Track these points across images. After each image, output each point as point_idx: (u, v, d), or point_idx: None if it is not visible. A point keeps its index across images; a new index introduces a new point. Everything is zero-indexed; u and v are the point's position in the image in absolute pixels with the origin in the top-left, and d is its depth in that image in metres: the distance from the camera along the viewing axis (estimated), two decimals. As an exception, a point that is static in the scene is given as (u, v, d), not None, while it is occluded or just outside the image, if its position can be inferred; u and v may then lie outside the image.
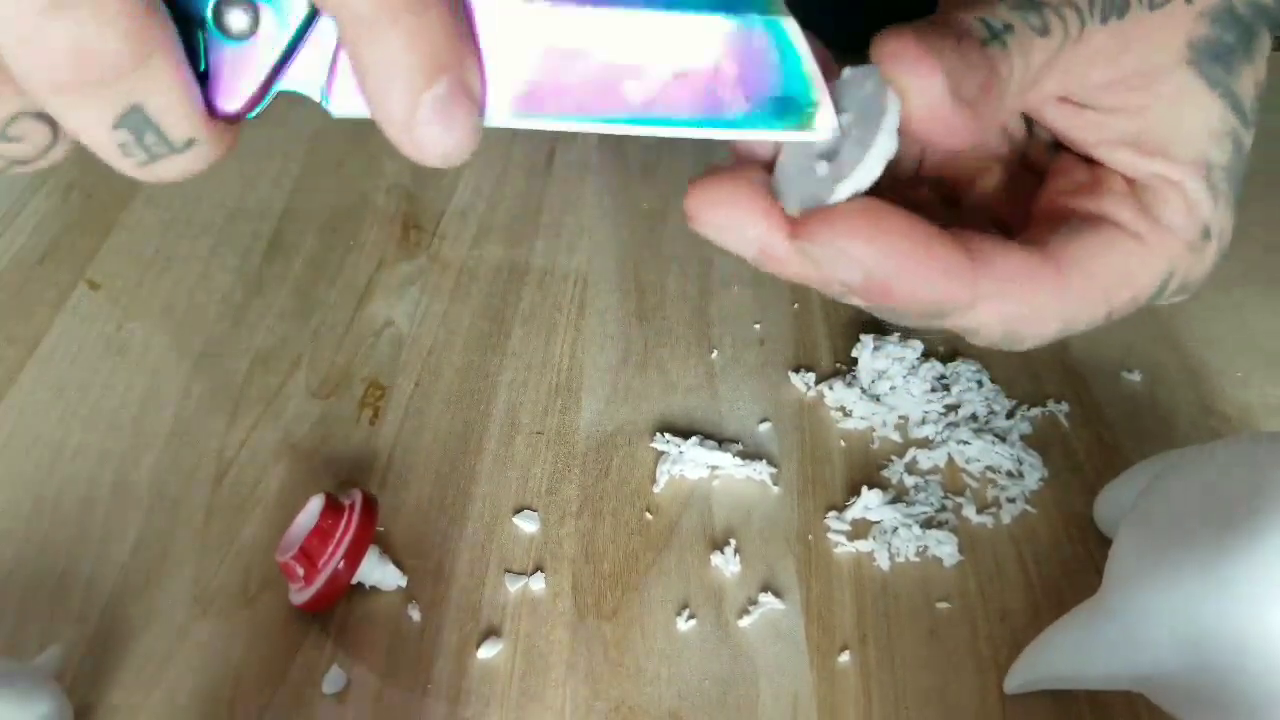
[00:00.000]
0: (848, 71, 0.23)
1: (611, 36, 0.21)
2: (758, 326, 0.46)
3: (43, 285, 0.47)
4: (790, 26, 0.21)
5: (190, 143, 0.20)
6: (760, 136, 0.22)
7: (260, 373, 0.43)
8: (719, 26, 0.21)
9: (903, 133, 0.22)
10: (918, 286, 0.22)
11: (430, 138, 0.19)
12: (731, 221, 0.23)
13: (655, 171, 0.55)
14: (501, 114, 0.21)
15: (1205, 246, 0.25)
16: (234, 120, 0.21)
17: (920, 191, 0.28)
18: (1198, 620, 0.27)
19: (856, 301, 0.23)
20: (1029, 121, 0.28)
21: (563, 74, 0.21)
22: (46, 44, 0.17)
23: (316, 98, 0.21)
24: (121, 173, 0.20)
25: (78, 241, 0.49)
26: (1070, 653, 0.31)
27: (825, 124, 0.22)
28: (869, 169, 0.22)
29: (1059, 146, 0.27)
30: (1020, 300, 0.23)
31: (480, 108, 0.20)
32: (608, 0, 0.21)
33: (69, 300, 0.46)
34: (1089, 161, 0.26)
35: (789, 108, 0.22)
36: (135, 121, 0.19)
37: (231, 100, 0.20)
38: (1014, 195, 0.28)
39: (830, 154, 0.23)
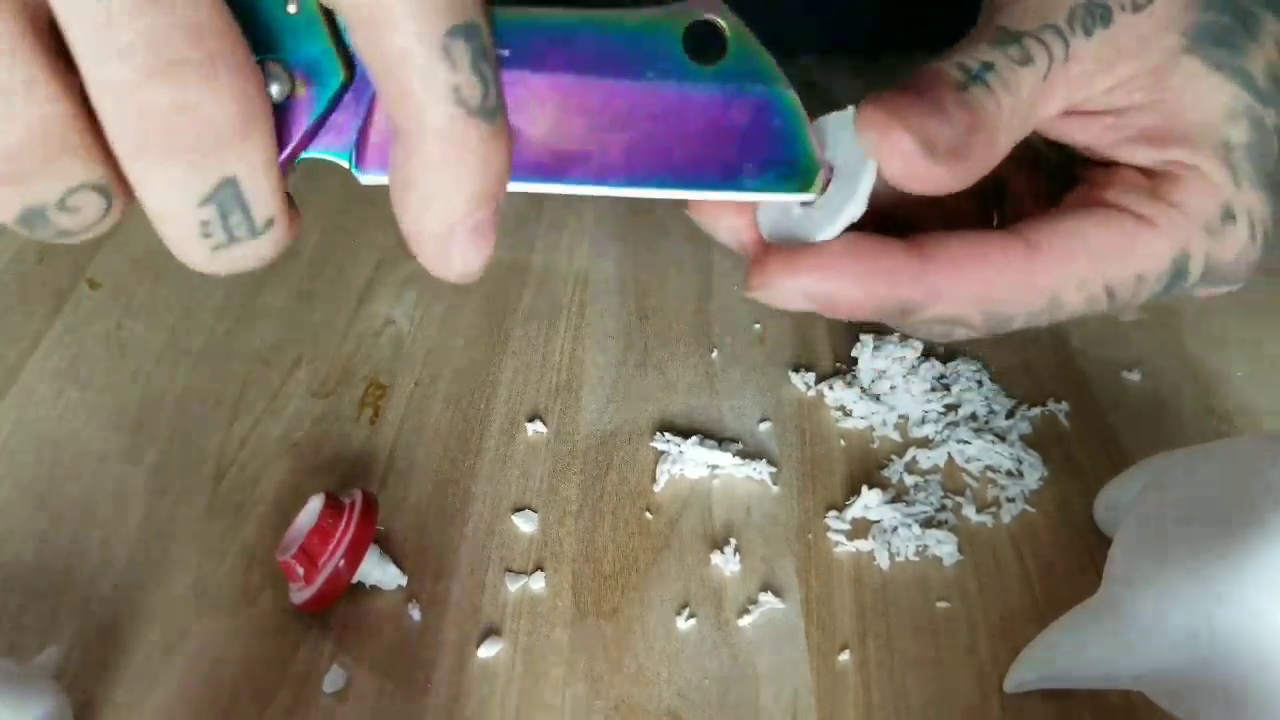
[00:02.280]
0: (832, 116, 0.24)
1: (620, 107, 0.22)
2: (758, 326, 0.46)
3: (43, 285, 0.47)
4: (793, 98, 0.23)
5: (269, 224, 0.19)
6: (763, 199, 0.24)
7: (260, 373, 0.43)
8: (727, 98, 0.22)
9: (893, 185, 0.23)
10: (863, 295, 0.24)
11: (460, 257, 0.20)
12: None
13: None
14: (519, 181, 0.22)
15: (1228, 229, 0.25)
16: None
17: (963, 200, 0.28)
18: (1197, 619, 0.27)
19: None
20: None
21: (576, 140, 0.22)
22: (152, 105, 0.16)
23: (345, 165, 0.21)
24: (184, 260, 0.19)
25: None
26: (1070, 652, 0.31)
27: (821, 183, 0.24)
28: (838, 225, 0.24)
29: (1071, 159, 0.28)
30: (981, 279, 0.24)
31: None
32: (618, 74, 0.21)
33: (69, 300, 0.46)
34: (1109, 164, 0.26)
35: (792, 172, 0.23)
36: (225, 198, 0.18)
37: None
38: (1049, 196, 0.28)
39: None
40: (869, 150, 0.23)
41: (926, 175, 0.23)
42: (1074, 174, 0.28)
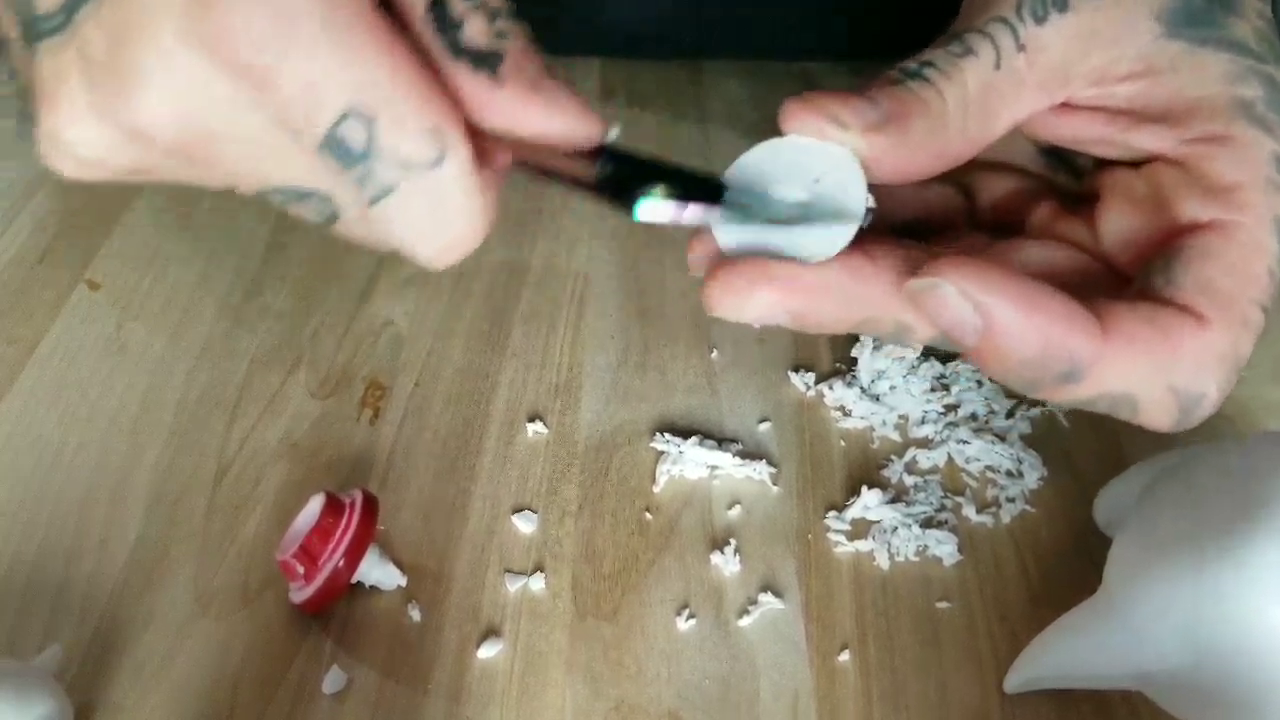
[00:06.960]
0: (780, 143, 0.24)
1: None
2: (757, 326, 0.46)
3: (43, 285, 0.47)
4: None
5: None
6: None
7: (260, 373, 0.43)
8: None
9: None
10: (1040, 336, 0.20)
11: None
12: (760, 300, 0.25)
13: (655, 171, 0.55)
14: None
15: None
16: None
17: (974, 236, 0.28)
18: (1198, 619, 0.27)
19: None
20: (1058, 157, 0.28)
21: None
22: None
23: None
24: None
25: (78, 241, 0.49)
26: (1070, 652, 0.31)
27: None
28: (838, 240, 0.23)
29: (1098, 165, 0.27)
30: (1165, 350, 0.22)
31: None
32: None
33: (69, 300, 0.46)
34: (1133, 166, 0.25)
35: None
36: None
37: None
38: (1065, 217, 0.27)
39: (798, 216, 0.24)
40: (798, 131, 0.23)
41: (870, 155, 0.22)
42: (1090, 186, 0.27)
